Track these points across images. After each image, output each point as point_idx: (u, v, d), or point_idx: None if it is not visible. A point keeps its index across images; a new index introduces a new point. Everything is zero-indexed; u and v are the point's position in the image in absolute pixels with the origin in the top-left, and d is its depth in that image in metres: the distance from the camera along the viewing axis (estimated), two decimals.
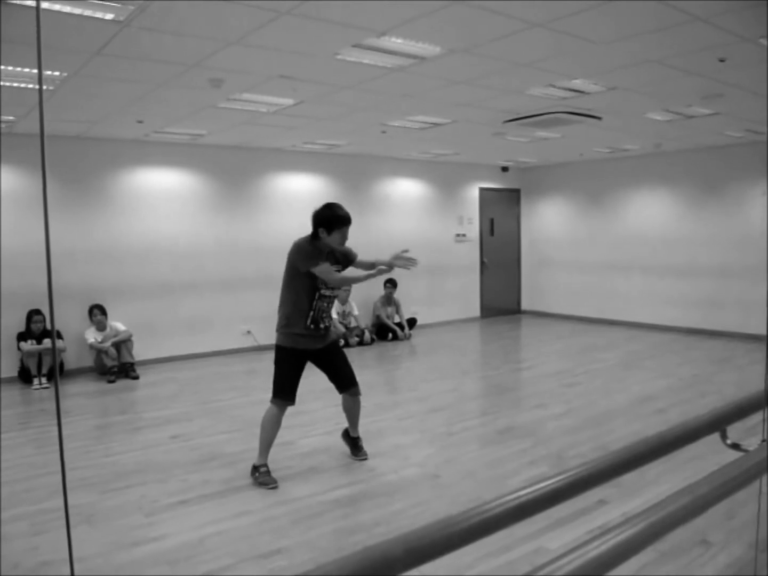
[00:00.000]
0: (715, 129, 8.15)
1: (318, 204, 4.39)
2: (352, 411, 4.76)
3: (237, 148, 9.20)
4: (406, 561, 1.00)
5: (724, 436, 1.85)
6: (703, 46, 4.61)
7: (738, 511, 3.56)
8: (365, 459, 4.76)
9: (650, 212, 10.86)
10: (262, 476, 4.33)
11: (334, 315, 9.65)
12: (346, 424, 4.87)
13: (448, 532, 1.08)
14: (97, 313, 7.83)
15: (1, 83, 5.23)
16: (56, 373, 1.86)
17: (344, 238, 4.35)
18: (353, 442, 4.86)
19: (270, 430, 4.39)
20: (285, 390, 4.38)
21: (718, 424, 1.79)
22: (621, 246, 11.29)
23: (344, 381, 4.59)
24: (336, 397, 6.70)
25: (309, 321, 4.36)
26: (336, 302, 9.69)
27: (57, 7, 3.61)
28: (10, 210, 7.53)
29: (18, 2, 3.44)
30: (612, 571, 1.11)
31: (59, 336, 7.57)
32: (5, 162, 7.51)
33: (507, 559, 3.20)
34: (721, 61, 4.93)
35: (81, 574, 3.07)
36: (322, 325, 4.42)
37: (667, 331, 10.41)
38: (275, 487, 4.26)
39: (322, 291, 4.36)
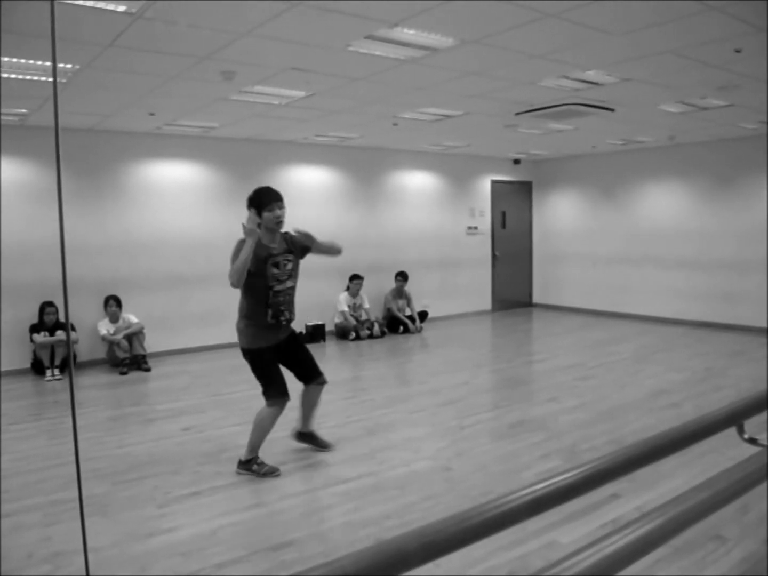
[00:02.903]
0: (729, 121, 8.06)
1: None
2: (314, 402, 4.65)
3: (249, 140, 9.19)
4: (422, 555, 0.99)
5: (741, 431, 1.83)
6: (719, 37, 4.56)
7: (752, 506, 3.53)
8: (328, 449, 4.73)
9: (663, 205, 10.78)
10: (263, 467, 4.34)
11: (345, 308, 9.65)
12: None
13: (464, 526, 1.07)
14: (112, 303, 7.86)
15: (13, 76, 5.25)
16: (71, 364, 1.87)
17: (276, 217, 4.21)
18: (311, 436, 4.79)
19: (267, 427, 4.36)
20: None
21: (735, 418, 1.76)
22: (633, 239, 11.21)
23: (310, 372, 4.52)
24: (346, 390, 6.73)
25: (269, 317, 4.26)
26: (347, 294, 9.75)
27: None
28: (22, 202, 7.58)
29: None
30: (629, 566, 1.10)
31: (72, 328, 7.60)
32: (19, 154, 7.56)
33: (519, 553, 3.19)
34: (737, 51, 4.87)
35: (94, 564, 3.09)
36: (282, 318, 4.29)
37: (680, 325, 10.34)
38: (279, 473, 4.32)
39: (275, 286, 4.25)
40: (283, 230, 4.34)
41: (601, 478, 1.35)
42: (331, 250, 4.45)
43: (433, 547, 1.01)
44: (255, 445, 4.37)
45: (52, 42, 1.58)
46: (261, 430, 4.35)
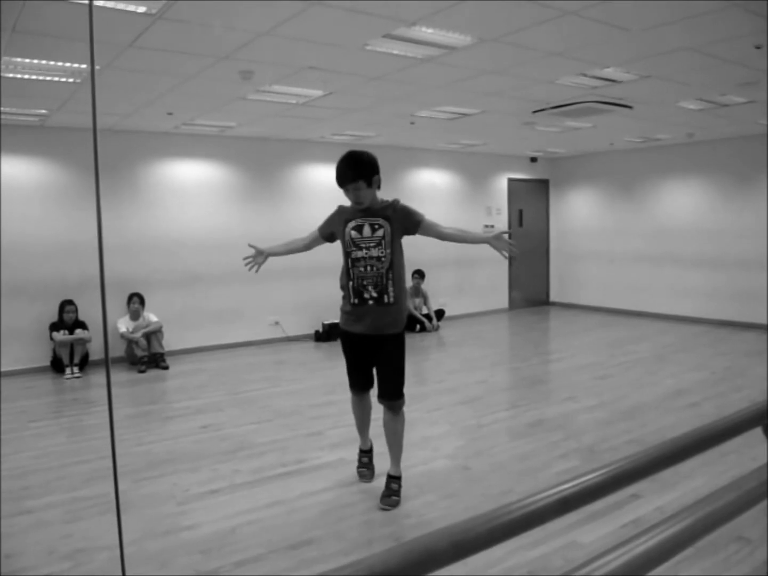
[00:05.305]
0: (749, 118, 7.98)
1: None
2: (387, 428, 3.95)
3: (266, 139, 9.22)
4: (451, 554, 0.99)
5: (767, 431, 1.80)
6: (739, 33, 4.50)
7: None
8: (387, 509, 3.78)
9: (682, 203, 10.69)
10: (358, 465, 4.31)
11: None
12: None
13: (492, 525, 1.06)
14: (136, 300, 7.92)
15: (34, 77, 5.30)
16: (107, 363, 1.88)
17: (356, 198, 3.65)
18: (386, 481, 3.98)
19: (354, 413, 4.22)
20: (350, 379, 4.05)
21: (762, 417, 1.74)
22: (651, 237, 11.12)
23: (380, 387, 3.88)
24: None
25: (352, 295, 3.75)
26: None
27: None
28: (43, 202, 7.65)
29: None
30: (658, 566, 1.09)
31: (85, 327, 7.60)
32: (40, 155, 7.64)
33: (539, 553, 3.17)
34: (757, 48, 4.82)
35: (114, 561, 3.11)
36: (367, 295, 3.67)
37: (699, 323, 10.24)
38: (366, 480, 4.23)
39: (353, 253, 3.69)
40: (392, 200, 3.79)
41: (628, 477, 1.34)
42: (456, 239, 3.93)
43: (462, 546, 1.01)
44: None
45: (90, 45, 1.59)
46: (356, 419, 4.23)
